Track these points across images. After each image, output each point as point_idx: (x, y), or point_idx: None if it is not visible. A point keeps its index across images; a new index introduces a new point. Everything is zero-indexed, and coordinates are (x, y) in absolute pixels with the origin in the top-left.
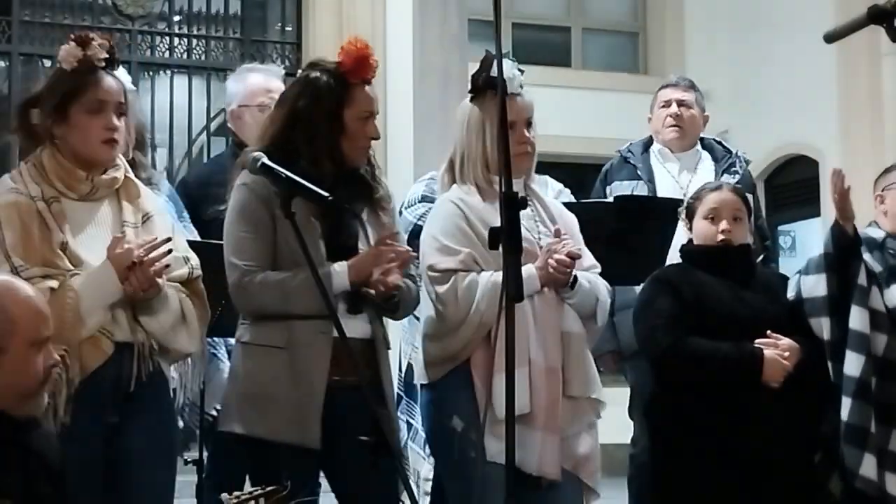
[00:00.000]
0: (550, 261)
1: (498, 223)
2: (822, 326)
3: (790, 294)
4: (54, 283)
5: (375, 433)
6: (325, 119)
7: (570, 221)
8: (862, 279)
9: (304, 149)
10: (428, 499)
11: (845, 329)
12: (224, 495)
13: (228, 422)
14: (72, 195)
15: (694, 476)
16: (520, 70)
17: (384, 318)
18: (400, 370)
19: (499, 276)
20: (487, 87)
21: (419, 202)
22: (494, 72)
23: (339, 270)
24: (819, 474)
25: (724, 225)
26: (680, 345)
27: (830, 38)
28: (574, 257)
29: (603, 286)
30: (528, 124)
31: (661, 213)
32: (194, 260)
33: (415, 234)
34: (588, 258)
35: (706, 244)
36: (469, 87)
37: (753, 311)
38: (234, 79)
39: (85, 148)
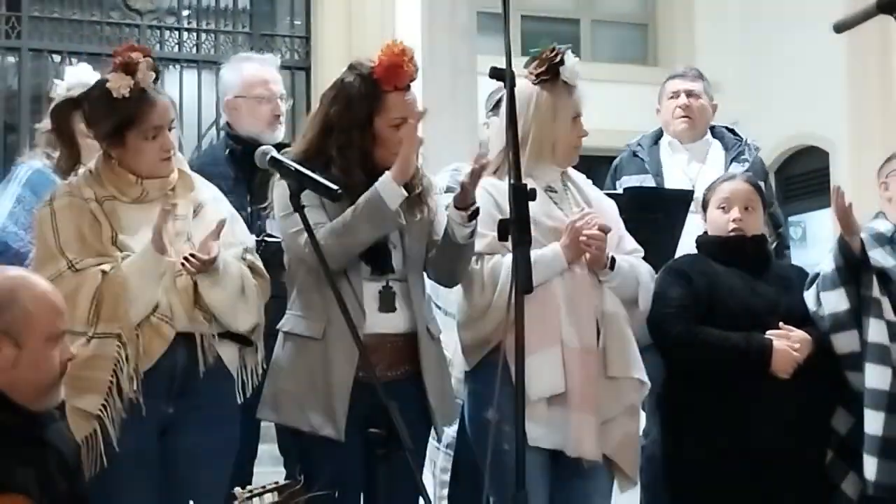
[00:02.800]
0: (582, 237)
1: (536, 206)
2: (850, 339)
3: (810, 304)
4: (107, 267)
5: (387, 426)
6: (357, 128)
7: (608, 206)
8: (875, 292)
9: (336, 157)
10: (446, 490)
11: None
12: (237, 490)
13: (264, 409)
14: (124, 199)
15: (704, 468)
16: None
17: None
18: None
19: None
20: (552, 78)
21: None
22: (568, 65)
23: (384, 182)
24: (832, 473)
25: (735, 214)
26: (689, 334)
27: (840, 27)
28: (605, 230)
29: (646, 270)
30: (580, 118)
31: (671, 204)
32: (250, 242)
33: None
34: (629, 242)
35: (720, 234)
36: (540, 70)
37: (767, 302)
38: (230, 69)
39: (143, 168)
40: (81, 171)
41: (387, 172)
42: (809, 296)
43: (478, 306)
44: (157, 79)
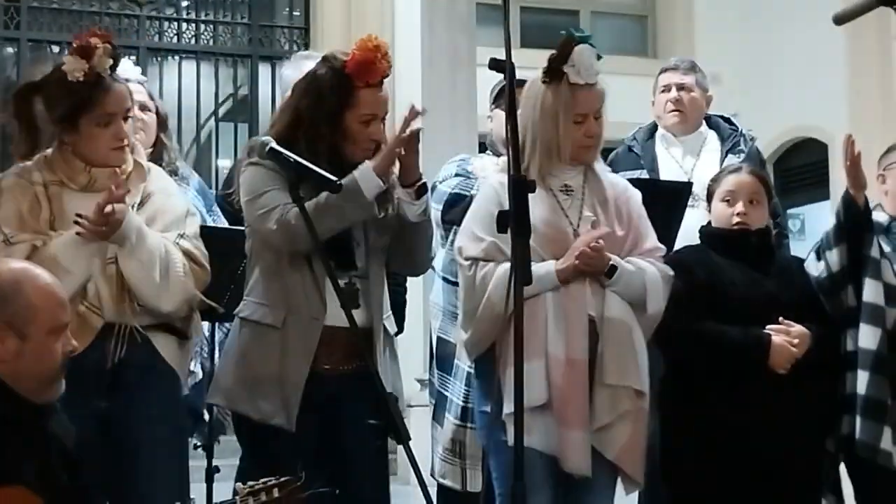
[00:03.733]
0: (576, 261)
1: (538, 212)
2: (847, 295)
3: (812, 269)
4: (38, 242)
5: (384, 416)
6: (326, 121)
7: (632, 199)
8: (875, 252)
9: (304, 150)
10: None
11: (858, 301)
12: (238, 484)
13: (215, 393)
14: (72, 185)
15: (700, 463)
16: (598, 56)
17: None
18: (431, 345)
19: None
20: (561, 73)
21: (454, 177)
22: (577, 64)
23: (364, 170)
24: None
25: (739, 207)
26: (688, 328)
27: (839, 19)
28: (596, 249)
29: (655, 272)
30: (598, 116)
31: (666, 196)
32: (191, 231)
33: (450, 202)
34: (650, 240)
35: (723, 227)
36: (544, 69)
37: (768, 295)
38: (290, 66)
39: (95, 156)
40: (35, 157)
41: (367, 162)
42: (811, 262)
43: (468, 311)
44: (115, 66)
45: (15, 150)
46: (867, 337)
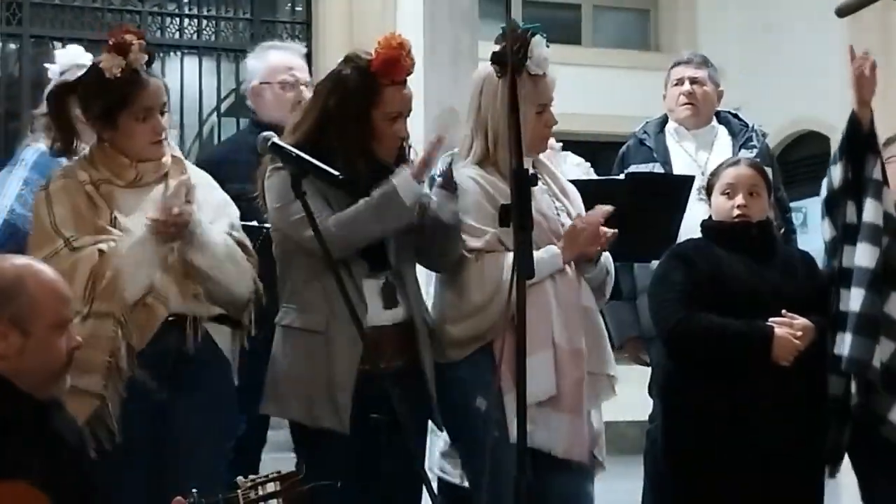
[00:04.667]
0: (601, 238)
1: (501, 199)
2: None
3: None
4: (104, 245)
5: (388, 412)
6: (354, 120)
7: (574, 195)
8: (877, 174)
9: (337, 148)
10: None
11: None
12: (240, 478)
13: (267, 404)
14: (119, 182)
15: (702, 455)
16: (547, 45)
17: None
18: None
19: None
20: (519, 65)
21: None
22: (534, 55)
23: (403, 177)
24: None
25: (739, 200)
26: (690, 320)
27: (842, 12)
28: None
29: (609, 260)
30: (551, 105)
31: (672, 189)
32: (236, 222)
33: None
34: None
35: (724, 220)
36: (494, 62)
37: (772, 287)
38: (255, 56)
39: (134, 150)
40: (76, 157)
41: (405, 167)
42: (825, 224)
43: (474, 303)
44: (150, 62)
45: (54, 149)
46: (865, 255)
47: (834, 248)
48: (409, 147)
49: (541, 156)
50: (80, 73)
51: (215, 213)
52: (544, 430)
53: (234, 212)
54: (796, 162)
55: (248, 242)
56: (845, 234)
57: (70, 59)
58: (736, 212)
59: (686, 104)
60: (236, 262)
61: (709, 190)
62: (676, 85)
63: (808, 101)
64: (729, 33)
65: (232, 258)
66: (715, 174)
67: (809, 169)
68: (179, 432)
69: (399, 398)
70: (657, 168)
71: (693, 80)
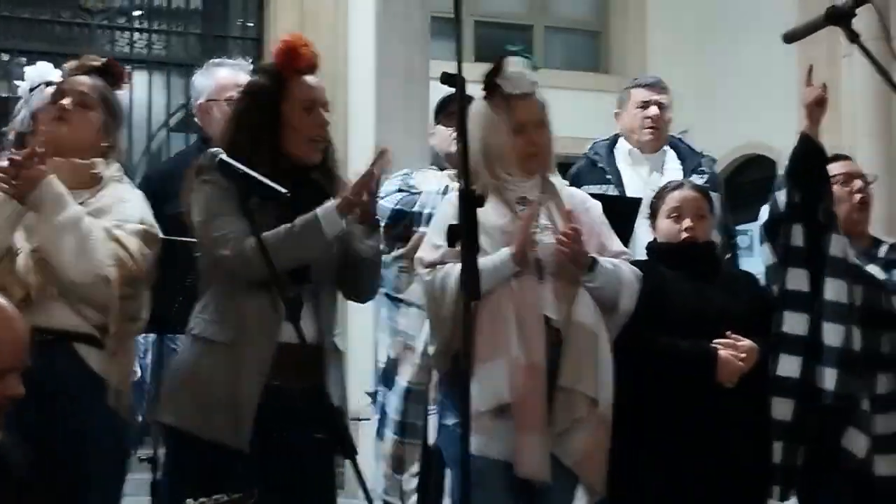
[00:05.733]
0: (560, 237)
1: (496, 223)
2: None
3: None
4: None
5: (330, 431)
6: (262, 117)
7: (592, 210)
8: (836, 250)
9: (249, 152)
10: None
11: (810, 241)
12: (189, 501)
13: (163, 412)
14: None
15: (651, 471)
16: (535, 68)
17: (334, 324)
18: (377, 360)
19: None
20: (496, 86)
21: (396, 192)
22: (507, 75)
23: (327, 210)
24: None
25: (687, 223)
26: (636, 340)
27: (789, 38)
28: (568, 235)
29: (629, 271)
30: (540, 125)
31: (620, 210)
32: (132, 224)
33: (393, 218)
34: (616, 244)
35: (670, 241)
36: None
37: (716, 308)
38: (202, 74)
39: None
40: None
41: (332, 201)
42: (765, 249)
43: (436, 315)
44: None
45: None
46: (836, 290)
47: (775, 272)
48: (332, 149)
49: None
50: (50, 89)
51: (109, 218)
52: (502, 442)
53: (139, 226)
54: (744, 185)
55: (129, 244)
56: (788, 257)
57: (39, 76)
58: (684, 234)
59: (650, 128)
60: (82, 245)
61: (653, 213)
62: (640, 108)
63: (755, 126)
64: (679, 57)
65: (79, 239)
66: (659, 197)
67: (756, 192)
68: (56, 455)
69: (304, 419)
70: (611, 190)
71: (659, 105)
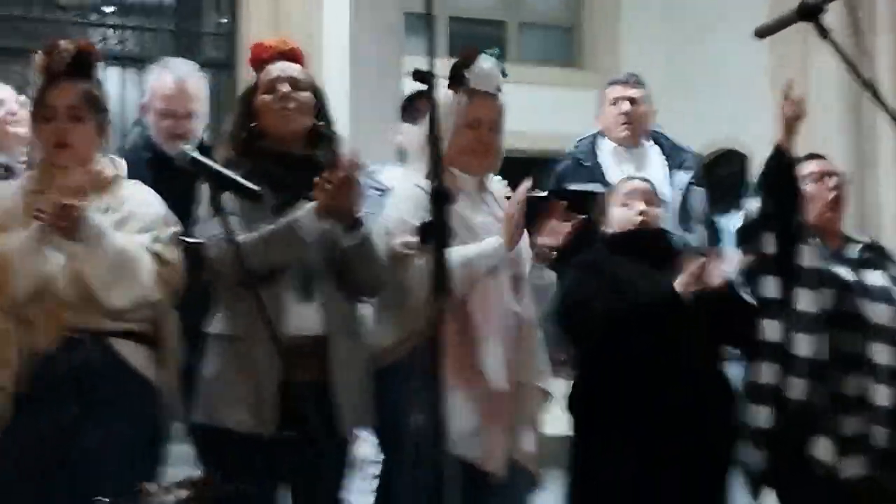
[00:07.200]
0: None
1: (461, 212)
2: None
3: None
4: None
5: (316, 424)
6: (243, 112)
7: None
8: (807, 262)
9: (242, 147)
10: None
11: (782, 249)
12: (147, 484)
13: (196, 411)
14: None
15: (610, 467)
16: (503, 72)
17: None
18: None
19: (469, 248)
20: (459, 81)
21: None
22: (477, 68)
23: (306, 211)
24: None
25: (639, 206)
26: (592, 313)
27: (761, 33)
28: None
29: (552, 274)
30: (494, 127)
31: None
32: (164, 233)
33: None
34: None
35: (623, 230)
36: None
37: (671, 291)
38: (153, 71)
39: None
40: None
41: (310, 204)
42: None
43: (417, 300)
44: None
45: None
46: (808, 300)
47: (747, 278)
48: (330, 135)
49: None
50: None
51: (142, 227)
52: (465, 438)
53: (169, 229)
54: (717, 179)
55: (168, 255)
56: (762, 265)
57: None
58: (638, 218)
59: (624, 124)
60: (121, 270)
61: (605, 208)
62: (614, 104)
63: (729, 120)
64: (651, 51)
65: (118, 265)
66: (610, 191)
67: (729, 186)
68: (85, 453)
69: (314, 412)
70: (598, 189)
71: (631, 101)
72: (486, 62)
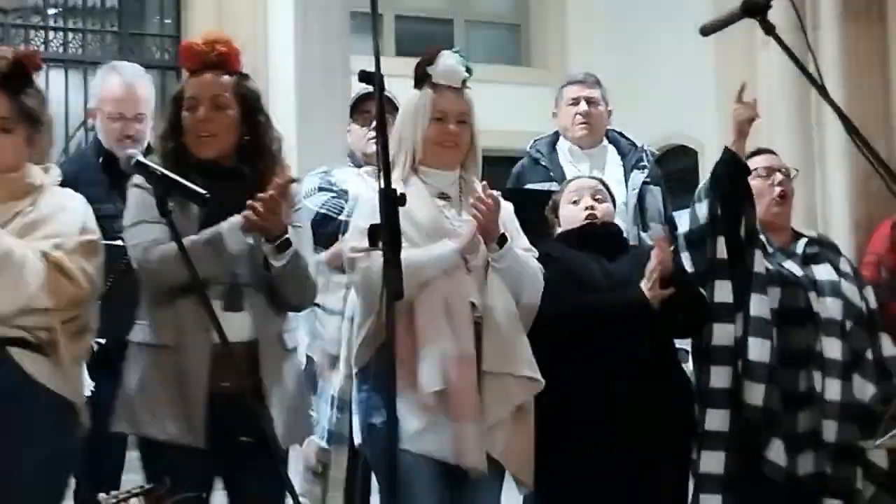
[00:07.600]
0: (475, 211)
1: (423, 213)
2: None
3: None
4: None
5: (256, 434)
6: (170, 124)
7: (506, 209)
8: (759, 266)
9: (170, 157)
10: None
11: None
12: (102, 495)
13: (118, 421)
14: None
15: (571, 468)
16: (468, 69)
17: (283, 318)
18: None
19: (414, 252)
20: (424, 79)
21: (318, 191)
22: (440, 64)
23: (231, 224)
24: None
25: (587, 202)
26: (574, 305)
27: (706, 31)
28: (487, 204)
29: (535, 265)
30: (461, 119)
31: (536, 203)
32: (70, 241)
33: (318, 223)
34: (523, 242)
35: (572, 226)
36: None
37: (622, 281)
38: (99, 74)
39: None
40: None
41: (236, 217)
42: (685, 257)
43: (371, 301)
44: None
45: None
46: (761, 305)
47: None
48: (274, 143)
49: None
50: None
51: (49, 233)
52: (433, 434)
53: (83, 237)
54: (665, 176)
55: (69, 265)
56: (714, 270)
57: None
58: (585, 212)
59: (582, 123)
60: (15, 276)
61: (554, 209)
62: (571, 104)
63: (676, 117)
64: (598, 48)
65: (14, 272)
66: (560, 191)
67: (678, 183)
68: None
69: (243, 416)
70: (555, 188)
71: (589, 101)
72: (449, 58)
